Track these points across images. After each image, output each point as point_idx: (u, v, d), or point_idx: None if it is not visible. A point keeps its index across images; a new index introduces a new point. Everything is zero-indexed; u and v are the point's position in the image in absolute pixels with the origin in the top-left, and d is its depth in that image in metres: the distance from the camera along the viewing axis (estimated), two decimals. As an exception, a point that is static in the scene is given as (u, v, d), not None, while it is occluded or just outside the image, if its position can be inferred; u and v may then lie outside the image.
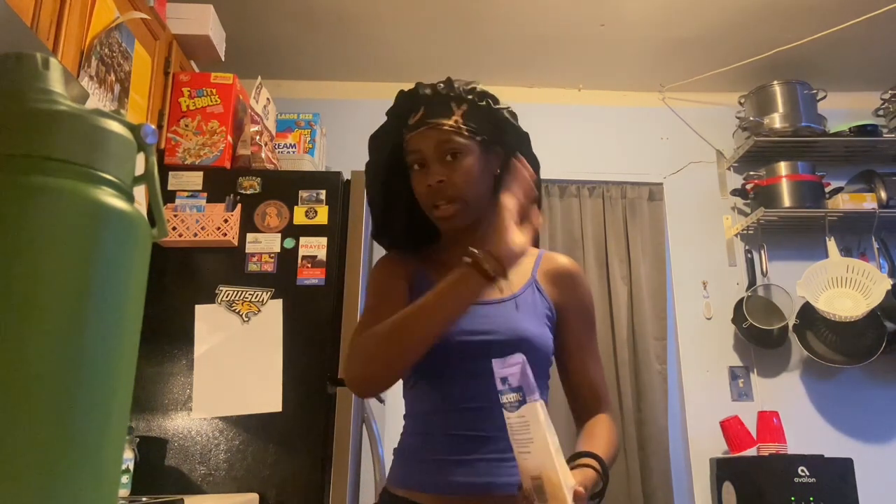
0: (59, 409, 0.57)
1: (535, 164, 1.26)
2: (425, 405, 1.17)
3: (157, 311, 1.96)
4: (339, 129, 3.22)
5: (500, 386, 0.96)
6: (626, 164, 3.36)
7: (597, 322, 3.29)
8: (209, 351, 1.97)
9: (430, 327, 1.06)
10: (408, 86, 1.23)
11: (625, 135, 3.40)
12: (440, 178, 1.15)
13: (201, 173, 2.12)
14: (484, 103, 1.20)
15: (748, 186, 3.19)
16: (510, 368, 0.95)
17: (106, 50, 1.83)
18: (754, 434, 2.86)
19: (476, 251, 1.05)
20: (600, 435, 1.14)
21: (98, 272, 0.61)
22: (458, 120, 1.17)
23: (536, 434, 0.91)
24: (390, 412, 2.75)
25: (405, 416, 1.23)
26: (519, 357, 0.95)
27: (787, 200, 3.06)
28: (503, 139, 1.23)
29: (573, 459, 1.05)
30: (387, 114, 1.25)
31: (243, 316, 2.00)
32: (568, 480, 0.91)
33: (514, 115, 1.24)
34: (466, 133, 1.17)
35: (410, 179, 1.21)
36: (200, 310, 2.00)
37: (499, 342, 1.11)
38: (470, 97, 1.19)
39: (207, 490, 1.89)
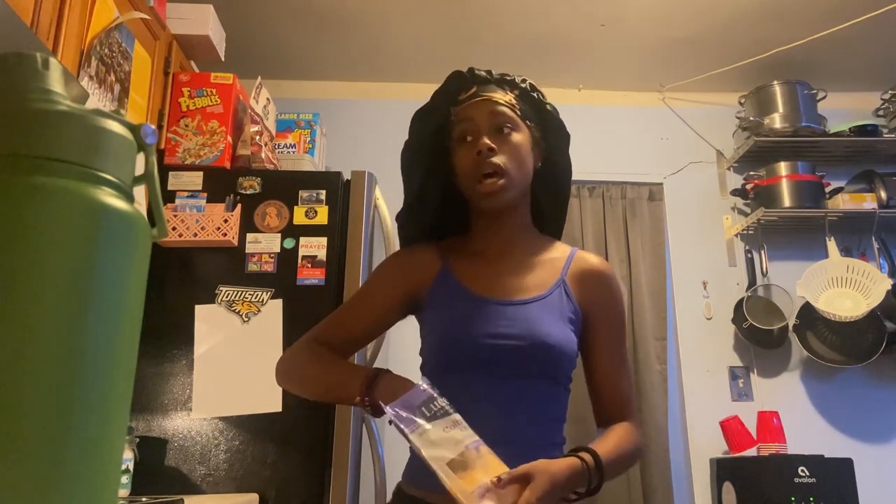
0: (58, 408, 0.57)
1: (569, 168, 1.29)
2: None
3: (157, 311, 1.96)
4: (339, 129, 3.22)
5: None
6: (626, 164, 3.35)
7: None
8: (209, 351, 1.97)
9: (321, 397, 1.22)
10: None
11: (625, 135, 3.40)
12: (492, 145, 1.14)
13: (201, 173, 2.12)
14: (534, 97, 1.23)
15: (748, 186, 3.18)
16: (393, 415, 0.99)
17: (106, 50, 1.83)
18: (754, 434, 2.86)
19: (378, 376, 1.07)
20: (611, 437, 1.12)
21: (98, 272, 0.61)
22: (511, 100, 1.19)
23: (425, 461, 0.95)
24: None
25: None
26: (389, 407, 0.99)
27: (787, 200, 3.06)
28: (547, 135, 1.24)
29: (569, 454, 1.05)
30: (434, 94, 1.24)
31: (243, 316, 2.00)
32: (464, 486, 0.92)
33: (557, 114, 1.26)
34: (519, 113, 1.19)
35: (454, 159, 1.20)
36: (200, 310, 2.00)
37: (518, 348, 1.10)
38: (519, 87, 1.22)
39: (207, 490, 1.89)
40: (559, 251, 1.25)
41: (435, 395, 1.01)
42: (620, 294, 1.24)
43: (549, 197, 1.28)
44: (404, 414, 0.98)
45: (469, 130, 1.17)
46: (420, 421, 0.98)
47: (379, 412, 1.08)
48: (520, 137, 1.18)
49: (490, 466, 0.95)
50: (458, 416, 0.99)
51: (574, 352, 1.16)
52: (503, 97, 1.18)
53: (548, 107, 1.25)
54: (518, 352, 1.10)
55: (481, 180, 1.15)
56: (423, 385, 1.02)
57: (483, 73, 1.21)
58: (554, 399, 1.15)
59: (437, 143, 1.22)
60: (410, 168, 1.25)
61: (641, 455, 1.18)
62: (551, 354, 1.11)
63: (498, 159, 1.14)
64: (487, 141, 1.14)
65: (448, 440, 0.96)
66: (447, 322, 1.16)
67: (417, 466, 1.16)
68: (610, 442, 1.10)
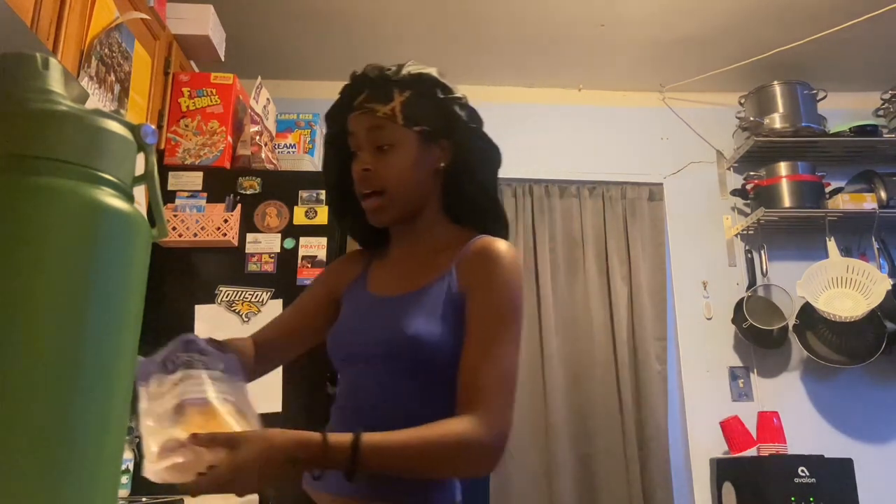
0: (58, 408, 0.57)
1: (494, 154, 1.19)
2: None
3: (157, 312, 1.95)
4: (339, 129, 3.21)
5: None
6: (626, 164, 3.35)
7: (594, 322, 3.24)
8: (209, 351, 1.97)
9: None
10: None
11: (625, 135, 3.40)
12: (366, 166, 1.12)
13: (201, 173, 2.12)
14: (431, 92, 1.15)
15: (748, 186, 3.19)
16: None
17: (106, 50, 1.83)
18: (754, 434, 2.86)
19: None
20: (415, 428, 0.95)
21: (98, 272, 0.61)
22: (395, 107, 1.12)
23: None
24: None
25: None
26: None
27: (787, 200, 3.06)
28: (452, 132, 1.16)
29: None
30: (339, 93, 1.21)
31: (243, 316, 2.00)
32: (159, 439, 0.86)
33: (465, 106, 1.18)
34: (402, 122, 1.12)
35: None
36: (200, 310, 2.00)
37: (376, 341, 1.10)
38: (416, 84, 1.14)
39: (207, 490, 1.89)
40: (463, 241, 1.15)
41: (198, 348, 0.93)
42: (501, 272, 1.07)
43: (472, 188, 1.19)
44: (147, 368, 0.91)
45: (354, 145, 1.15)
46: (157, 373, 0.91)
47: None
48: (400, 152, 1.12)
49: (211, 426, 0.86)
50: (200, 372, 0.90)
51: (438, 344, 1.05)
52: (384, 107, 1.12)
53: (451, 104, 1.15)
54: (375, 346, 1.10)
55: (365, 196, 1.14)
56: (185, 338, 0.96)
57: (373, 75, 1.15)
58: (414, 392, 1.07)
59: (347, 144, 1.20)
60: (325, 167, 1.26)
61: (475, 451, 0.95)
62: (408, 347, 1.06)
63: (374, 180, 1.12)
64: (363, 163, 1.13)
65: (172, 394, 0.88)
66: (337, 321, 1.20)
67: None
68: (404, 432, 0.94)
